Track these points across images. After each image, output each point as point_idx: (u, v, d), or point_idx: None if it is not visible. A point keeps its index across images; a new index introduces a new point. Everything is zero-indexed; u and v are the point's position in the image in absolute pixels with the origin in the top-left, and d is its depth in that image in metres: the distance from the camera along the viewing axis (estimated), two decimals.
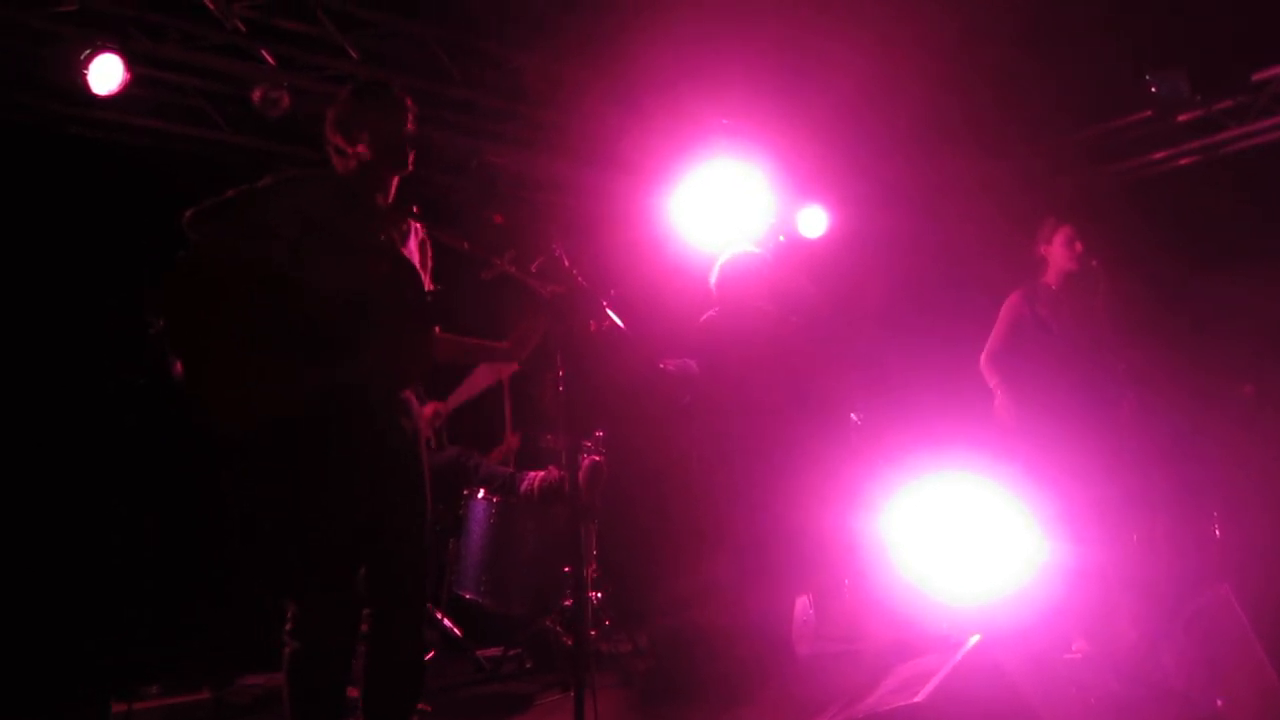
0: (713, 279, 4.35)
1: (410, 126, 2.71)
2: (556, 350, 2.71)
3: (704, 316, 4.33)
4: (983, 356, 4.50)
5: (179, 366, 2.42)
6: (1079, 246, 4.40)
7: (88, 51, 4.04)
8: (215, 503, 4.58)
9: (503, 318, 3.02)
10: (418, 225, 2.80)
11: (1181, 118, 5.30)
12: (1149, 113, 5.33)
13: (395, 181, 2.74)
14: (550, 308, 2.65)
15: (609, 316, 2.74)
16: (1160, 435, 4.62)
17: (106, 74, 4.08)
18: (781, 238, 5.68)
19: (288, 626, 2.55)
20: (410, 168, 2.73)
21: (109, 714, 3.65)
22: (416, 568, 2.68)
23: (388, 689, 2.66)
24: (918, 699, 2.55)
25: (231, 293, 2.46)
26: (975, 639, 2.84)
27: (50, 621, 4.12)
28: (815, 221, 6.16)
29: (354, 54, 4.61)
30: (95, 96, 4.12)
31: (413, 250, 2.77)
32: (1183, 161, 5.55)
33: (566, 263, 2.74)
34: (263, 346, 2.46)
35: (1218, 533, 4.62)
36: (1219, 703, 3.20)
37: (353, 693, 3.46)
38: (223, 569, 4.50)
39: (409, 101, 2.74)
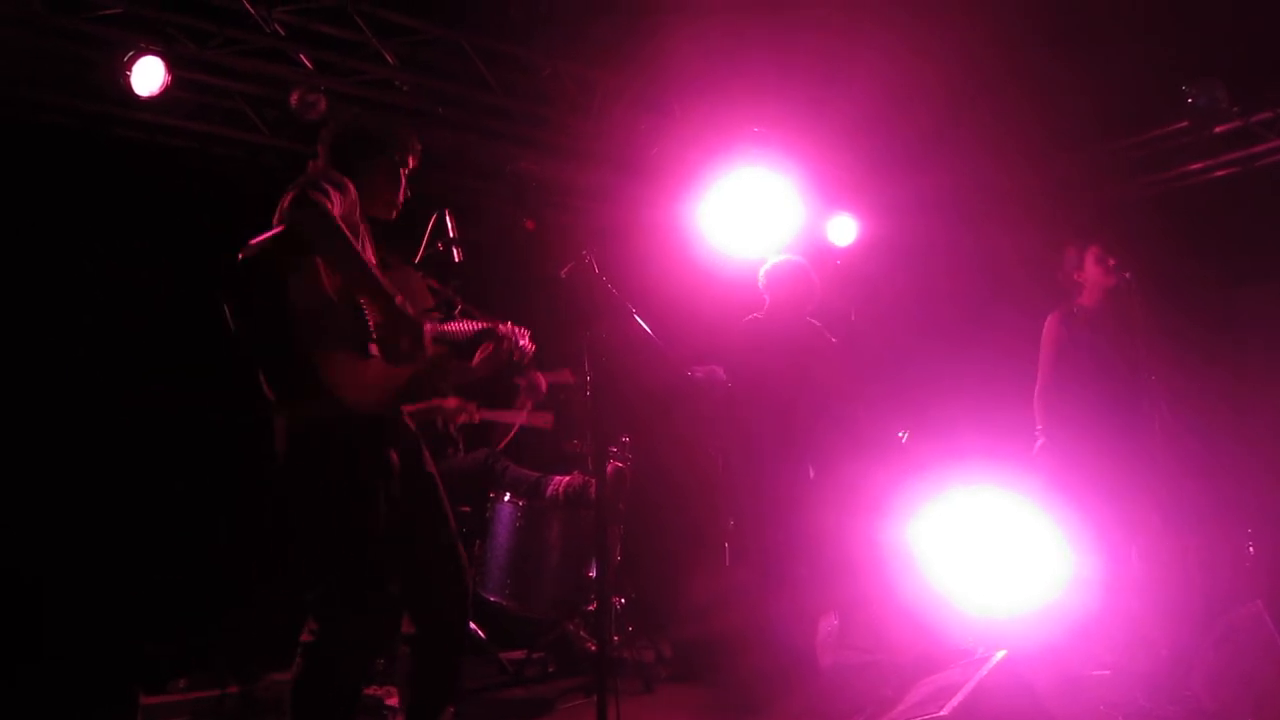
0: (761, 281, 4.39)
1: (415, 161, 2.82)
2: (585, 357, 2.73)
3: (749, 317, 4.35)
4: (1035, 392, 4.45)
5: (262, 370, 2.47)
6: (1111, 261, 4.36)
7: (130, 54, 4.13)
8: (247, 501, 4.65)
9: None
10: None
11: (1218, 129, 5.24)
12: (1185, 123, 5.27)
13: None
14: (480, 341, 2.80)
15: (639, 328, 2.77)
16: (1194, 451, 4.56)
17: (148, 76, 4.17)
18: (839, 262, 5.70)
19: (306, 639, 2.54)
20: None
21: (138, 707, 3.71)
22: (460, 578, 2.73)
23: (430, 693, 2.70)
24: (943, 713, 2.54)
25: (302, 300, 2.48)
26: (1001, 654, 2.82)
27: (81, 615, 4.17)
28: (845, 230, 6.15)
29: (391, 59, 4.66)
30: (138, 98, 4.20)
31: None
32: (1219, 173, 5.48)
33: (596, 269, 2.76)
34: (342, 349, 2.50)
35: (1251, 549, 4.55)
36: None
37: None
38: (252, 566, 4.55)
39: (417, 146, 2.84)
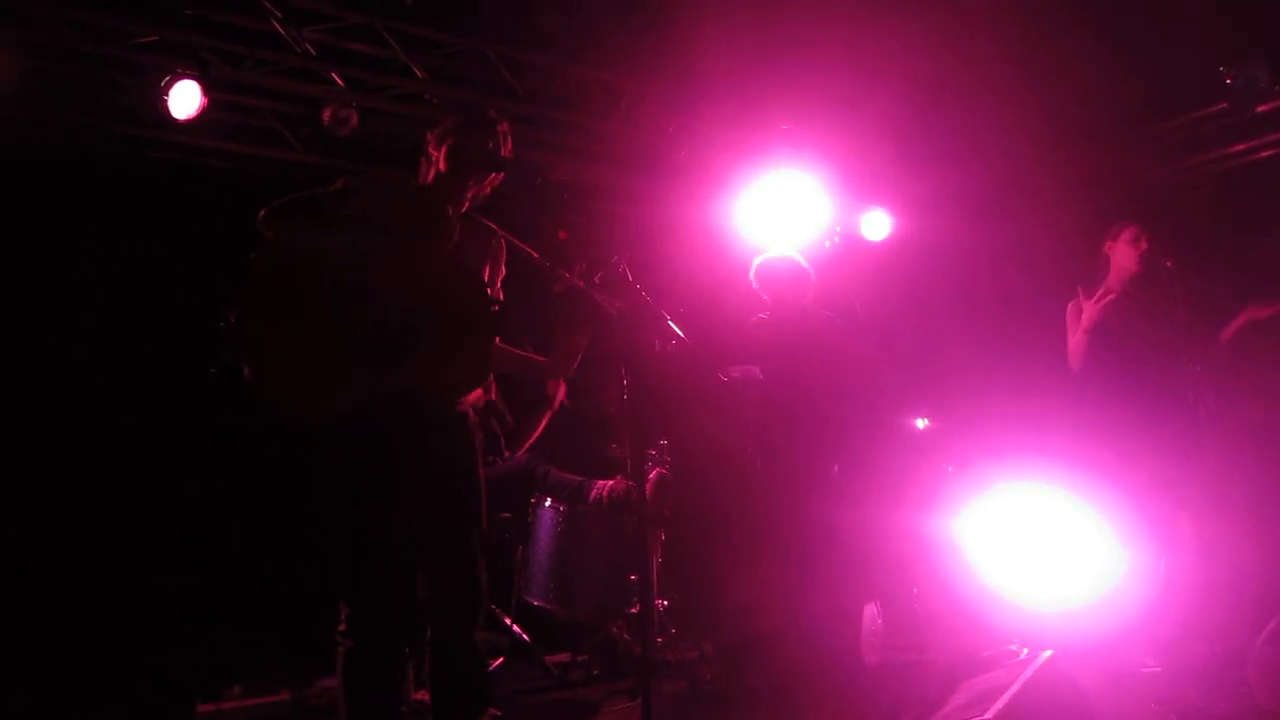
0: (754, 282, 4.37)
1: (488, 145, 2.80)
2: (621, 362, 2.74)
3: (755, 318, 4.34)
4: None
5: (245, 363, 2.49)
6: (1144, 245, 4.29)
7: (167, 79, 4.22)
8: (292, 504, 4.73)
9: (560, 332, 3.04)
10: (493, 237, 2.88)
11: (1260, 108, 5.11)
12: (1225, 105, 5.16)
13: (470, 194, 2.83)
14: (617, 323, 2.69)
15: (672, 332, 2.77)
16: (1244, 440, 4.47)
17: (185, 100, 4.26)
18: (828, 244, 5.65)
19: (340, 627, 2.60)
20: (479, 184, 2.83)
21: (194, 714, 3.80)
22: (467, 577, 2.71)
23: (450, 695, 2.72)
24: (986, 716, 2.52)
25: (298, 293, 2.53)
26: (1048, 654, 2.79)
27: (137, 624, 4.28)
28: (878, 225, 6.10)
29: (420, 73, 4.71)
30: (175, 121, 4.29)
31: (483, 259, 2.84)
32: (1263, 154, 5.36)
33: (629, 275, 2.77)
34: (327, 347, 2.52)
35: None
36: None
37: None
38: (301, 571, 4.63)
39: (503, 126, 2.85)
